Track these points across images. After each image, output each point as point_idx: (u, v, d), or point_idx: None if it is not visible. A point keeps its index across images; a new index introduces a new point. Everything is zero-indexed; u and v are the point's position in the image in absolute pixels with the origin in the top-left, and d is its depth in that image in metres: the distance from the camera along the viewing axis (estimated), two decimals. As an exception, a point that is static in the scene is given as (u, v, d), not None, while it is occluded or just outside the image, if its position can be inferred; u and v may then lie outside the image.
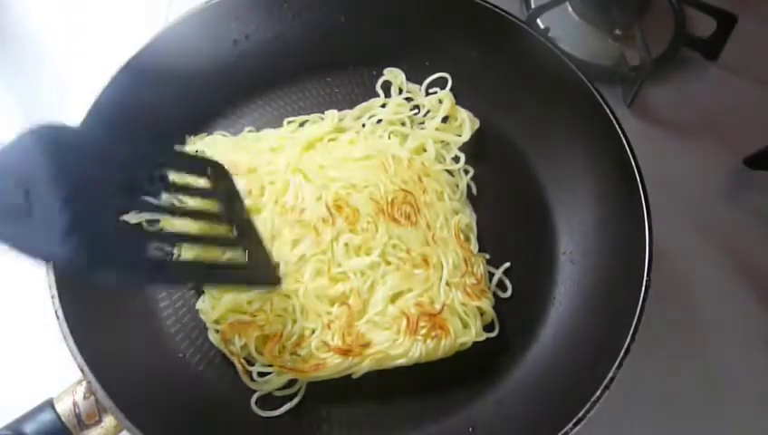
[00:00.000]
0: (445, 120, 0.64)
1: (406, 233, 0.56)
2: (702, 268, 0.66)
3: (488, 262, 0.58)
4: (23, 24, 0.76)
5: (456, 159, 0.62)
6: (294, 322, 0.53)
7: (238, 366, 0.53)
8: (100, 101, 0.55)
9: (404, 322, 0.53)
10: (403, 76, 0.66)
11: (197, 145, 0.61)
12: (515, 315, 0.57)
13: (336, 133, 0.62)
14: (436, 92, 0.65)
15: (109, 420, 0.47)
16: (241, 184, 0.56)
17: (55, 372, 0.49)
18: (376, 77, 0.67)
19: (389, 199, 0.57)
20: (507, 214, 0.61)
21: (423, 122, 0.64)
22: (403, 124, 0.64)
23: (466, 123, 0.63)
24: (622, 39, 0.74)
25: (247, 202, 0.56)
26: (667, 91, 0.74)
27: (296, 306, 0.54)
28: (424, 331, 0.52)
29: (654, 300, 0.51)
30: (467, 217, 0.60)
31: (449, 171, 0.62)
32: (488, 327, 0.56)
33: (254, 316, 0.53)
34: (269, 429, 0.52)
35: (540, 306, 0.58)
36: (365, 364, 0.52)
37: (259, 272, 0.51)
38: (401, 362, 0.53)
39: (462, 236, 0.58)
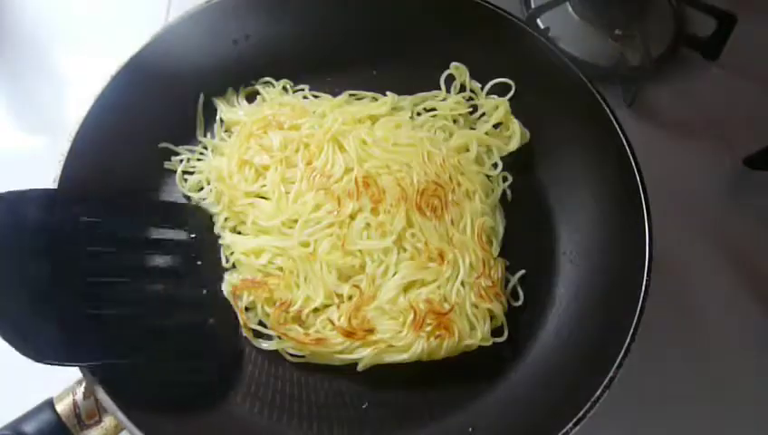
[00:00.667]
0: (497, 126, 0.64)
1: (427, 225, 0.56)
2: (702, 268, 0.66)
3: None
4: (22, 24, 0.76)
5: (495, 166, 0.62)
6: (298, 286, 0.54)
7: (241, 319, 0.54)
8: (100, 101, 0.55)
9: (411, 316, 0.53)
10: (468, 74, 0.65)
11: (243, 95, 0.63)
12: (516, 315, 0.57)
13: (388, 115, 0.63)
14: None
15: (109, 420, 0.47)
16: (277, 139, 0.58)
17: (55, 371, 0.49)
18: (376, 77, 0.67)
19: (420, 189, 0.57)
20: (507, 214, 0.61)
21: (475, 124, 0.64)
22: (455, 122, 0.64)
23: (516, 135, 0.62)
24: (622, 39, 0.74)
25: (280, 155, 0.58)
26: (668, 91, 0.74)
27: (305, 274, 0.54)
28: (428, 328, 0.52)
29: (654, 300, 0.51)
30: (493, 221, 0.60)
31: (488, 175, 0.62)
32: (496, 332, 0.56)
33: (267, 277, 0.54)
34: (268, 428, 0.52)
35: (540, 306, 0.58)
36: (367, 353, 0.52)
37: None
38: (403, 357, 0.53)
39: (484, 238, 0.58)
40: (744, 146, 0.70)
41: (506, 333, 0.56)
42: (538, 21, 0.75)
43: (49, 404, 0.47)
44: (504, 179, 0.62)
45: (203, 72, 0.63)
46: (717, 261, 0.66)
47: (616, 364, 0.48)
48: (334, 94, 0.65)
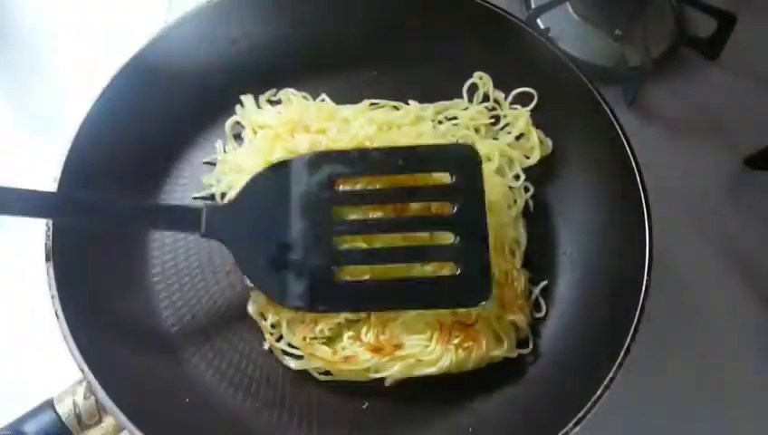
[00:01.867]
0: (519, 137, 0.63)
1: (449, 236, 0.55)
2: (702, 268, 0.66)
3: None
4: (21, 24, 0.76)
5: (517, 177, 0.61)
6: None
7: (268, 339, 0.54)
8: (100, 101, 0.55)
9: (437, 329, 0.52)
10: (491, 83, 0.65)
11: (266, 99, 0.63)
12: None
13: (411, 124, 0.62)
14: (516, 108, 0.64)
15: (109, 421, 0.47)
16: (304, 142, 0.57)
17: (55, 372, 0.49)
18: (376, 77, 0.67)
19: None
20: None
21: (497, 135, 0.63)
22: (477, 131, 0.63)
23: (537, 147, 0.62)
24: (622, 39, 0.74)
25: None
26: (668, 91, 0.74)
27: None
28: (456, 340, 0.52)
29: (654, 300, 0.51)
30: (515, 233, 0.59)
31: (510, 186, 0.61)
32: (521, 343, 0.55)
33: None
34: (267, 427, 0.52)
35: (540, 306, 0.58)
36: (396, 369, 0.52)
37: (469, 288, 0.51)
38: (431, 370, 0.52)
39: (507, 250, 0.57)
40: (744, 146, 0.71)
41: (531, 345, 0.55)
42: (538, 21, 0.75)
43: (49, 404, 0.47)
44: (526, 190, 0.61)
45: (203, 71, 0.63)
46: (717, 261, 0.66)
47: (616, 364, 0.48)
48: (334, 94, 0.65)
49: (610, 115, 0.57)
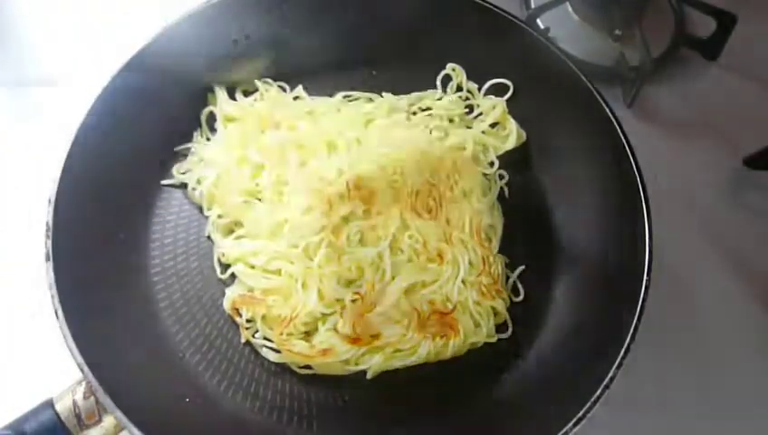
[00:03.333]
0: (494, 125, 0.64)
1: (424, 226, 0.56)
2: (702, 268, 0.66)
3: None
4: (21, 23, 0.76)
5: (492, 164, 0.62)
6: (296, 293, 0.53)
7: (243, 334, 0.54)
8: (100, 101, 0.55)
9: (415, 318, 0.53)
10: (464, 74, 0.65)
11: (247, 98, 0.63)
12: (516, 315, 0.57)
13: (384, 116, 0.62)
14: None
15: (108, 420, 0.47)
16: (275, 138, 0.58)
17: (55, 371, 0.49)
18: (376, 77, 0.67)
19: (414, 190, 0.57)
20: (507, 213, 0.61)
21: (471, 124, 0.64)
22: (451, 121, 0.64)
23: (513, 134, 0.63)
24: (622, 39, 0.74)
25: (276, 156, 0.57)
26: (668, 92, 0.74)
27: (304, 279, 0.54)
28: (433, 329, 0.52)
29: (654, 300, 0.51)
30: (490, 219, 0.60)
31: (485, 174, 0.62)
32: (500, 328, 0.56)
33: (266, 293, 0.54)
34: (268, 428, 0.52)
35: (540, 306, 0.58)
36: (375, 360, 0.52)
37: None
38: (412, 359, 0.53)
39: (483, 236, 0.58)
40: (744, 146, 0.70)
41: (510, 329, 0.56)
42: (538, 21, 0.75)
43: (49, 404, 0.47)
44: (501, 177, 0.62)
45: (203, 71, 0.63)
46: (717, 261, 0.66)
47: (616, 364, 0.48)
48: (333, 95, 0.65)
49: (610, 115, 0.57)
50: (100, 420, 0.47)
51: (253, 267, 0.56)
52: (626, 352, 0.49)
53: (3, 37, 0.75)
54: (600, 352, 0.50)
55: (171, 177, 0.61)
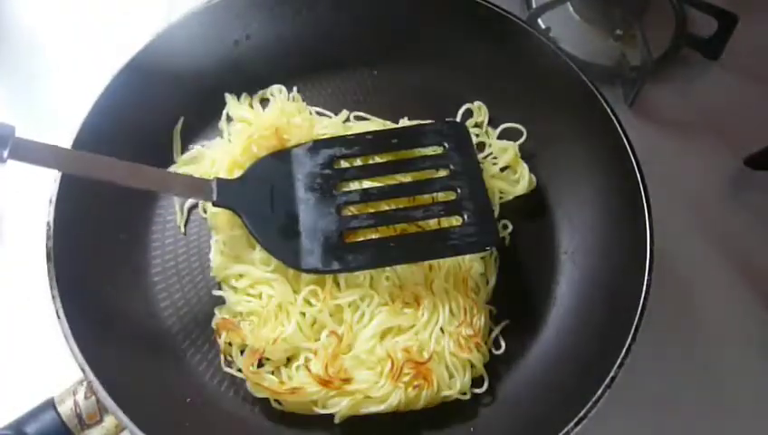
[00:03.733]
0: (504, 168, 0.62)
1: (405, 269, 0.54)
2: (702, 268, 0.66)
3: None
4: (21, 23, 0.76)
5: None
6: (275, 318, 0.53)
7: (222, 358, 0.54)
8: (100, 101, 0.55)
9: (388, 365, 0.51)
10: (487, 114, 0.64)
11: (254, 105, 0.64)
12: (516, 315, 0.57)
13: None
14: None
15: (109, 420, 0.47)
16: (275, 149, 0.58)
17: (56, 371, 0.49)
18: (376, 77, 0.67)
19: (400, 230, 0.55)
20: (507, 213, 0.61)
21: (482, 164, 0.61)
22: None
23: (524, 179, 0.61)
24: (623, 39, 0.74)
25: None
26: (668, 91, 0.74)
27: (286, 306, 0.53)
28: (407, 378, 0.50)
29: (654, 300, 0.51)
30: (482, 268, 0.57)
31: None
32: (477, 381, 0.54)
33: (245, 319, 0.54)
34: (268, 428, 0.52)
35: (540, 306, 0.58)
36: (344, 404, 0.50)
37: (476, 234, 0.54)
38: (380, 408, 0.50)
39: (471, 284, 0.55)
40: (744, 146, 0.70)
41: (486, 385, 0.54)
42: (539, 21, 0.75)
43: (50, 404, 0.47)
44: (505, 227, 0.60)
45: (204, 71, 0.63)
46: (717, 261, 0.66)
47: (617, 364, 0.48)
48: (335, 95, 0.65)
49: (611, 115, 0.57)
50: (101, 421, 0.47)
51: (236, 290, 0.55)
52: (627, 353, 0.48)
53: (3, 37, 0.75)
54: (601, 352, 0.50)
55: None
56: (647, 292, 0.51)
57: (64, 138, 0.53)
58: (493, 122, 0.64)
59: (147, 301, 0.56)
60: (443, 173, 0.57)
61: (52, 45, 0.75)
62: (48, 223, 0.51)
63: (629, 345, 0.49)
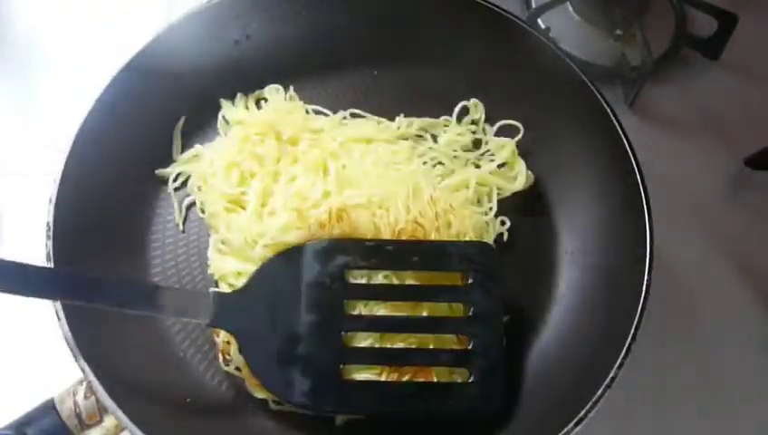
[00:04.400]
0: (501, 165, 0.62)
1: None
2: (702, 268, 0.66)
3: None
4: (21, 23, 0.76)
5: (490, 209, 0.60)
6: None
7: (220, 357, 0.53)
8: (100, 101, 0.55)
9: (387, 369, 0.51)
10: (483, 112, 0.64)
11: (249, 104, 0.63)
12: (516, 315, 0.57)
13: (388, 141, 0.61)
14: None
15: (110, 421, 0.47)
16: (272, 149, 0.57)
17: (56, 372, 0.49)
18: (377, 77, 0.67)
19: (397, 229, 0.54)
20: (508, 213, 0.61)
21: (479, 162, 0.62)
22: (455, 157, 0.62)
23: (522, 176, 0.60)
24: (623, 39, 0.74)
25: (271, 167, 0.57)
26: (668, 91, 0.74)
27: None
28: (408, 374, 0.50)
29: (654, 300, 0.50)
30: None
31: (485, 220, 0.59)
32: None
33: None
34: (269, 429, 0.52)
35: (540, 306, 0.58)
36: None
37: (479, 396, 0.49)
38: None
39: None
40: (744, 146, 0.70)
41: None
42: (539, 21, 0.75)
43: (50, 404, 0.47)
44: (503, 223, 0.60)
45: (204, 71, 0.63)
46: (717, 261, 0.66)
47: (617, 364, 0.48)
48: (335, 94, 0.65)
49: (611, 115, 0.57)
50: (101, 421, 0.47)
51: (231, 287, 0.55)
52: (627, 353, 0.48)
53: (3, 37, 0.75)
54: (601, 352, 0.50)
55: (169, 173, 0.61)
56: (647, 292, 0.51)
57: (63, 139, 0.53)
58: (491, 121, 0.64)
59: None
60: (461, 312, 0.52)
61: (52, 45, 0.75)
62: (48, 223, 0.51)
63: (629, 345, 0.49)
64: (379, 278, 0.53)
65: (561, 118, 0.62)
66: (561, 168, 0.62)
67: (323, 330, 0.50)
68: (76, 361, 0.46)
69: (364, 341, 0.51)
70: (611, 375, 0.48)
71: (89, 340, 0.47)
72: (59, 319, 0.47)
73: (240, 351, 0.49)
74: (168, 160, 0.61)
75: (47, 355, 0.53)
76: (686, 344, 0.62)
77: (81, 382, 0.48)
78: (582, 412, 0.47)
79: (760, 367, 0.62)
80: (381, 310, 0.52)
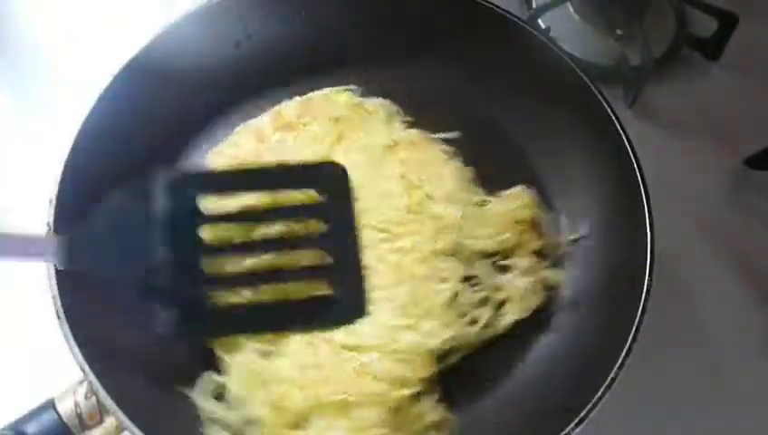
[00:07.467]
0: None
1: None
2: (702, 268, 0.66)
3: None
4: (21, 23, 0.76)
5: None
6: None
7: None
8: (101, 101, 0.55)
9: None
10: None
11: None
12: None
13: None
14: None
15: (110, 421, 0.47)
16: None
17: (56, 371, 0.49)
18: (377, 77, 0.67)
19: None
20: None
21: None
22: None
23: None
24: (623, 39, 0.74)
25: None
26: (669, 92, 0.74)
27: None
28: None
29: (654, 300, 0.50)
30: None
31: None
32: None
33: None
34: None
35: (540, 306, 0.58)
36: None
37: (344, 307, 0.50)
38: None
39: None
40: (744, 146, 0.71)
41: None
42: (539, 21, 0.75)
43: (50, 404, 0.47)
44: None
45: (205, 71, 0.63)
46: (717, 261, 0.66)
47: (617, 365, 0.48)
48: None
49: (612, 115, 0.57)
50: (101, 421, 0.47)
51: None
52: (627, 353, 0.48)
53: (3, 37, 0.75)
54: (601, 353, 0.50)
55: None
56: (647, 292, 0.51)
57: (64, 139, 0.53)
58: (492, 120, 0.64)
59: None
60: (317, 227, 0.52)
61: (53, 45, 0.75)
62: (48, 223, 0.51)
63: (630, 345, 0.49)
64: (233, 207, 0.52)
65: (561, 118, 0.62)
66: (562, 168, 0.62)
67: (180, 260, 0.49)
68: (76, 360, 0.46)
69: (226, 266, 0.51)
70: (612, 375, 0.48)
71: (89, 340, 0.47)
72: (59, 319, 0.47)
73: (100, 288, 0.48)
74: (167, 160, 0.61)
75: (47, 355, 0.52)
76: (686, 344, 0.62)
77: (81, 382, 0.48)
78: (583, 413, 0.47)
79: (760, 367, 0.62)
80: (238, 237, 0.52)
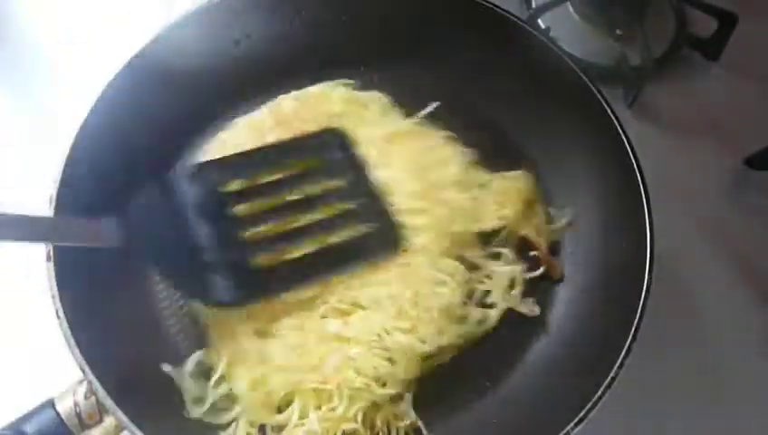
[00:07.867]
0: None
1: None
2: (702, 268, 0.66)
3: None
4: (21, 23, 0.76)
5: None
6: None
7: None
8: (101, 100, 0.55)
9: None
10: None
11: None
12: (515, 315, 0.57)
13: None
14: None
15: (110, 420, 0.47)
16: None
17: (56, 371, 0.49)
18: (377, 77, 0.67)
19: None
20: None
21: None
22: None
23: None
24: (623, 39, 0.74)
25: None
26: (668, 92, 0.74)
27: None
28: None
29: (654, 300, 0.51)
30: None
31: None
32: None
33: None
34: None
35: (540, 306, 0.58)
36: None
37: (383, 239, 0.53)
38: None
39: None
40: (744, 146, 0.71)
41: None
42: (539, 21, 0.75)
43: (50, 404, 0.47)
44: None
45: (205, 71, 0.63)
46: (717, 261, 0.66)
47: (617, 365, 0.48)
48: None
49: (611, 115, 0.57)
50: (101, 421, 0.47)
51: None
52: (627, 353, 0.48)
53: (3, 37, 0.75)
54: (601, 352, 0.50)
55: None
56: (647, 292, 0.51)
57: (64, 139, 0.53)
58: (492, 120, 0.64)
59: (148, 301, 0.56)
60: (335, 183, 0.56)
61: (53, 45, 0.75)
62: (48, 222, 0.51)
63: (629, 345, 0.49)
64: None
65: (561, 118, 0.62)
66: (561, 167, 0.62)
67: (220, 235, 0.52)
68: (76, 360, 0.46)
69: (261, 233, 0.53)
70: (611, 375, 0.48)
71: (89, 340, 0.47)
72: (59, 319, 0.47)
73: (159, 273, 0.52)
74: (167, 160, 0.61)
75: (47, 355, 0.53)
76: (686, 344, 0.62)
77: (81, 382, 0.48)
78: (583, 412, 0.47)
79: (760, 367, 0.62)
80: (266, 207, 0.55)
